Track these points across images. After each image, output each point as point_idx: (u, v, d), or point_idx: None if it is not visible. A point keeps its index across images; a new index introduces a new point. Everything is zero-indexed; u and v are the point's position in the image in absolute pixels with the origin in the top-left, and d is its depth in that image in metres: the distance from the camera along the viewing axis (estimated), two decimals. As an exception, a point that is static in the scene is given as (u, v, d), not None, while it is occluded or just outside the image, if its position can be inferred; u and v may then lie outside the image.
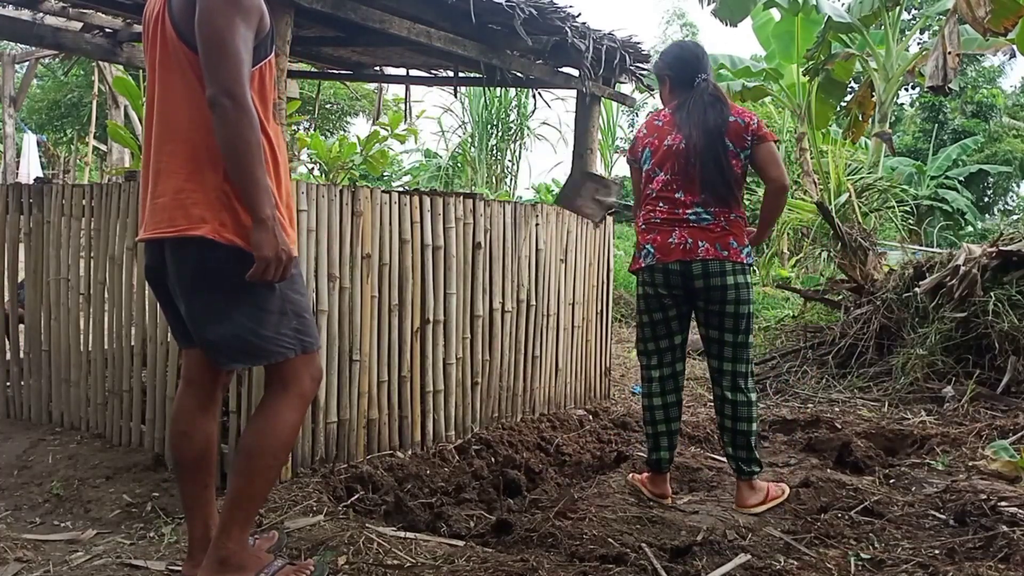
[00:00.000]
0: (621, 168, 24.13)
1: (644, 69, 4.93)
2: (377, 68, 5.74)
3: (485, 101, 16.80)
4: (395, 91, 14.03)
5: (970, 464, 3.46)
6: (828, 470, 3.53)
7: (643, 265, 3.09)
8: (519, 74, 4.76)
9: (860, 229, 6.84)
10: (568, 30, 4.09)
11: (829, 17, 9.30)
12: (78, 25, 4.74)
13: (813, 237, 8.76)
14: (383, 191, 3.43)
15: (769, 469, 3.46)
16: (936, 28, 12.69)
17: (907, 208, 10.02)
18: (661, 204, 3.06)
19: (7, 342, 3.81)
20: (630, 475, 3.34)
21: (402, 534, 2.61)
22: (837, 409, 4.72)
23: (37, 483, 3.02)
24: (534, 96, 5.55)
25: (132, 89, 7.21)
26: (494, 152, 17.40)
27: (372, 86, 12.86)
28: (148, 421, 3.26)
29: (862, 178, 9.39)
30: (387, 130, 8.75)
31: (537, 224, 4.24)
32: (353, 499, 2.94)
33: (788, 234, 10.21)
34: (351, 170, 9.36)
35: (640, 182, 3.20)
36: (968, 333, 4.92)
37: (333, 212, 3.17)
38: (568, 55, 4.35)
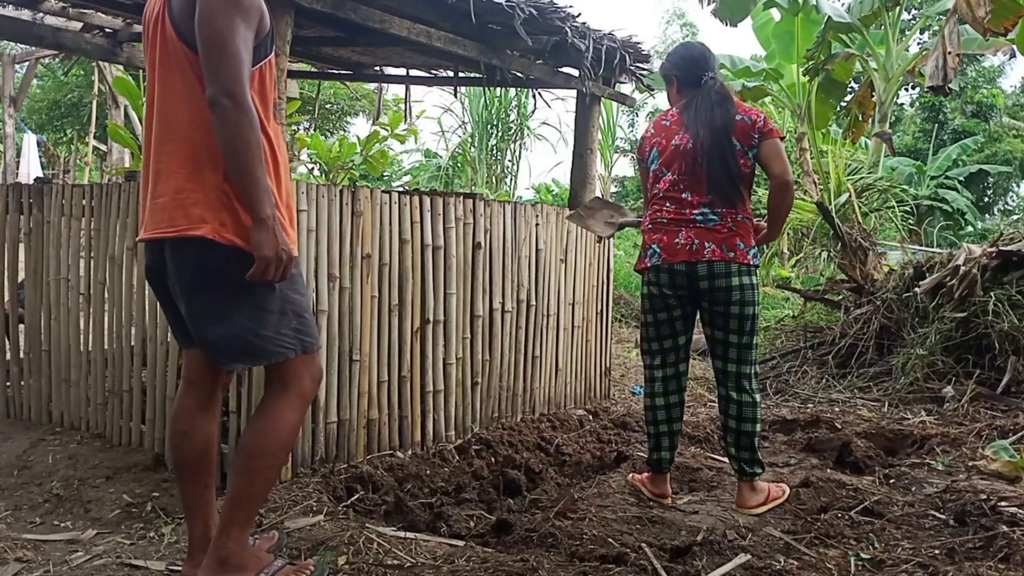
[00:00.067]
0: (621, 168, 24.16)
1: (644, 69, 4.93)
2: (377, 68, 5.74)
3: (485, 101, 16.81)
4: (395, 91, 14.05)
5: (970, 464, 3.46)
6: (828, 470, 3.53)
7: (648, 265, 3.08)
8: (519, 74, 4.76)
9: (860, 229, 6.83)
10: (568, 30, 4.09)
11: (829, 17, 9.30)
12: (78, 25, 4.74)
13: (813, 237, 8.75)
14: (383, 191, 3.43)
15: (769, 469, 3.45)
16: (936, 28, 12.69)
17: (907, 208, 10.02)
18: (668, 204, 3.05)
19: (7, 342, 3.81)
20: (630, 475, 3.34)
21: (402, 534, 2.61)
22: (837, 409, 4.72)
23: (37, 483, 3.02)
24: (534, 96, 5.55)
25: (132, 89, 7.21)
26: (494, 152, 17.41)
27: (372, 86, 12.86)
28: (148, 421, 3.26)
29: (862, 178, 9.39)
30: (387, 130, 8.74)
31: (537, 224, 4.24)
32: (353, 499, 2.94)
33: (788, 234, 10.21)
34: (351, 170, 9.36)
35: (648, 182, 3.20)
36: (968, 333, 4.92)
37: (333, 212, 3.17)
38: (568, 55, 4.35)
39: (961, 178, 16.94)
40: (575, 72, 4.64)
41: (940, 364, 4.91)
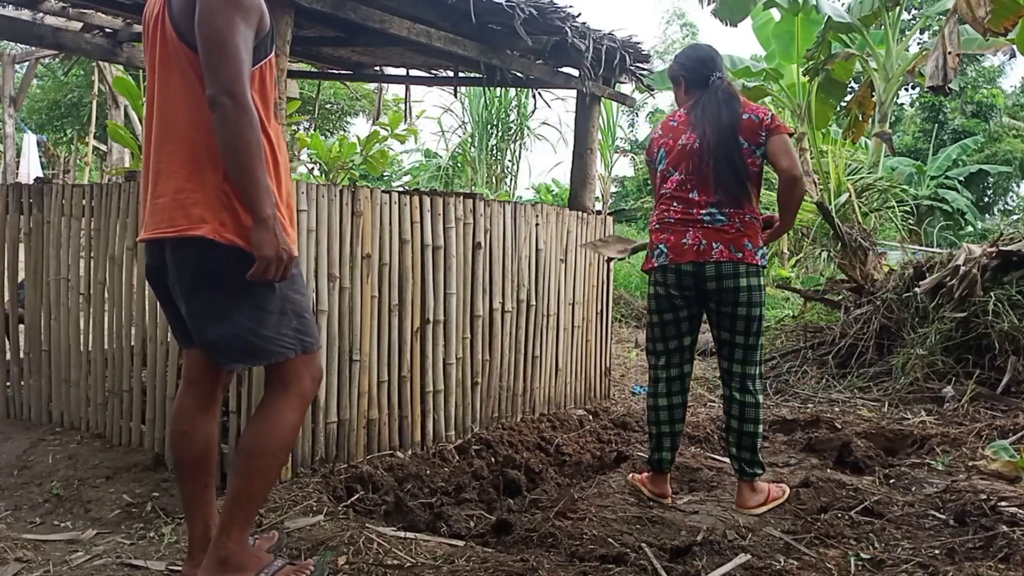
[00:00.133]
0: (621, 168, 24.15)
1: (644, 69, 4.93)
2: (377, 68, 5.74)
3: (485, 101, 16.80)
4: (395, 91, 14.05)
5: (970, 464, 3.46)
6: (828, 470, 3.53)
7: (655, 265, 3.08)
8: (519, 74, 4.76)
9: (860, 229, 6.83)
10: (568, 30, 4.09)
11: (829, 17, 9.30)
12: (78, 25, 4.74)
13: (813, 237, 8.75)
14: (383, 191, 3.43)
15: (769, 469, 3.46)
16: (936, 28, 12.69)
17: (907, 208, 10.02)
18: (675, 204, 3.05)
19: (7, 342, 3.81)
20: (630, 475, 3.34)
21: (402, 534, 2.61)
22: (837, 409, 4.72)
23: (37, 483, 3.02)
24: (534, 96, 5.55)
25: (132, 89, 7.21)
26: (494, 152, 17.40)
27: (372, 86, 12.86)
28: (148, 421, 3.26)
29: (862, 178, 9.39)
30: (387, 130, 8.74)
31: (537, 224, 4.24)
32: (353, 499, 2.94)
33: (788, 234, 10.21)
34: (351, 170, 9.36)
35: (657, 183, 3.20)
36: (968, 333, 4.92)
37: (333, 212, 3.17)
38: (568, 55, 4.35)
39: (961, 178, 16.94)
40: (575, 72, 4.64)
41: (940, 364, 4.91)
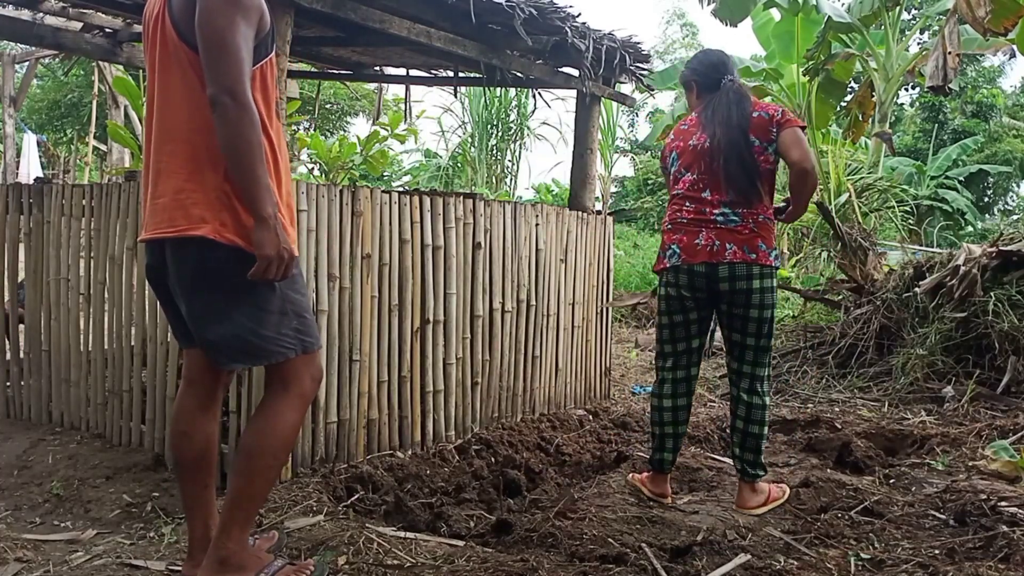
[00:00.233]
0: (621, 168, 24.15)
1: (644, 69, 4.93)
2: (377, 68, 5.74)
3: (485, 101, 16.81)
4: (395, 91, 14.04)
5: (970, 464, 3.46)
6: (828, 470, 3.53)
7: (667, 265, 3.06)
8: (519, 74, 4.76)
9: (860, 229, 6.83)
10: (568, 30, 4.09)
11: (829, 17, 9.30)
12: (78, 25, 4.74)
13: (813, 237, 8.75)
14: (383, 191, 3.43)
15: (769, 469, 3.45)
16: (936, 28, 12.69)
17: (907, 208, 10.02)
18: (688, 204, 3.03)
19: (7, 342, 3.81)
20: (630, 475, 3.33)
21: (402, 534, 2.61)
22: (837, 409, 4.72)
23: (37, 483, 3.02)
24: (534, 96, 5.55)
25: (132, 89, 7.21)
26: (494, 152, 17.41)
27: (372, 86, 12.86)
28: (148, 421, 3.26)
29: (862, 178, 9.39)
30: (387, 130, 8.74)
31: (537, 224, 4.24)
32: (353, 499, 2.94)
33: (788, 234, 10.21)
34: (351, 170, 9.36)
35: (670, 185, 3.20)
36: (968, 333, 4.92)
37: (333, 212, 3.17)
38: (568, 55, 4.35)
39: (961, 178, 16.94)
40: (575, 72, 4.64)
41: (940, 364, 4.91)
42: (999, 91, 20.52)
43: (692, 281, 3.00)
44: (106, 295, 3.46)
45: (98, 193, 3.46)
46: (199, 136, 1.98)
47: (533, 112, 21.06)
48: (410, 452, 3.46)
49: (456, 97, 17.26)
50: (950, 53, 6.37)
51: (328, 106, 17.32)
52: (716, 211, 2.97)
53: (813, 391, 5.15)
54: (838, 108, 10.73)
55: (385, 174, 16.84)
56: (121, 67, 8.95)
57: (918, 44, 15.89)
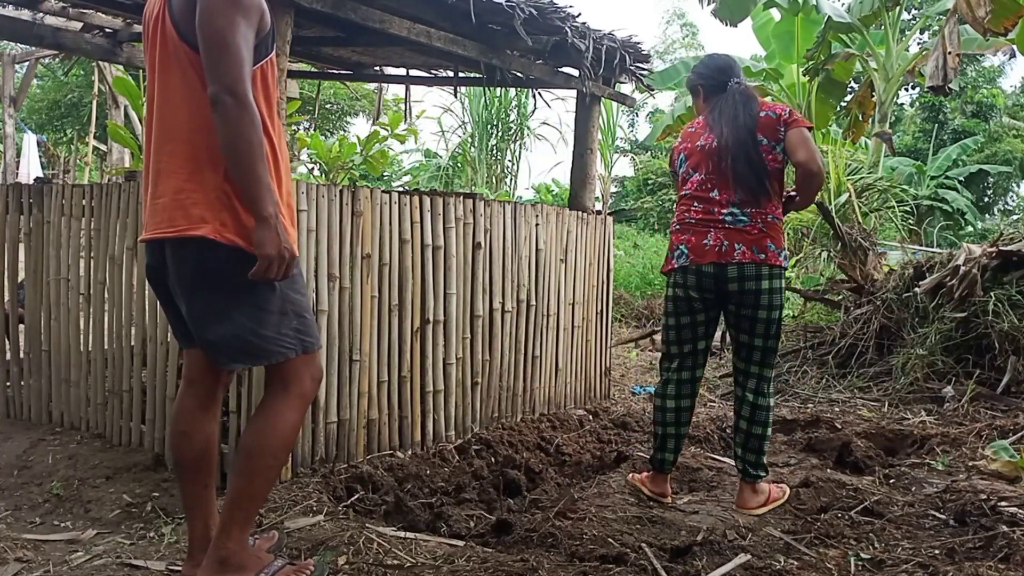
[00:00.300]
0: (621, 168, 24.15)
1: (644, 69, 4.93)
2: (377, 68, 5.74)
3: (485, 101, 16.81)
4: (395, 91, 14.05)
5: (970, 464, 3.46)
6: (828, 470, 3.53)
7: (676, 266, 3.05)
8: (519, 74, 4.75)
9: (860, 229, 6.83)
10: (568, 30, 4.09)
11: (829, 17, 9.31)
12: (78, 25, 4.74)
13: (813, 237, 8.75)
14: (383, 191, 3.43)
15: (769, 469, 3.46)
16: (936, 28, 12.69)
17: (907, 208, 10.00)
18: (696, 204, 3.03)
19: (7, 342, 3.81)
20: (630, 475, 3.33)
21: (402, 534, 2.61)
22: (837, 409, 4.72)
23: (37, 483, 3.02)
24: (534, 96, 5.55)
25: (132, 89, 7.21)
26: (494, 152, 17.41)
27: (372, 86, 12.86)
28: (148, 421, 3.26)
29: (862, 178, 9.38)
30: (387, 130, 8.73)
31: (537, 224, 4.24)
32: (353, 499, 2.94)
33: (788, 234, 10.21)
34: (351, 170, 9.35)
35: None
36: (968, 333, 4.92)
37: (333, 212, 3.17)
38: (568, 55, 4.35)
39: (961, 178, 16.94)
40: (575, 72, 4.64)
41: (940, 364, 4.91)
42: (999, 91, 20.53)
43: (700, 282, 2.99)
44: (106, 295, 3.46)
45: (98, 193, 3.46)
46: (199, 136, 1.98)
47: (533, 112, 21.08)
48: (410, 452, 3.46)
49: (456, 97, 17.27)
50: (950, 53, 6.37)
51: (328, 106, 17.32)
52: (724, 211, 2.95)
53: (813, 391, 5.15)
54: (838, 108, 10.74)
55: (385, 174, 16.84)
56: (121, 67, 8.95)
57: (918, 44, 15.90)
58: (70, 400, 3.56)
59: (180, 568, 2.27)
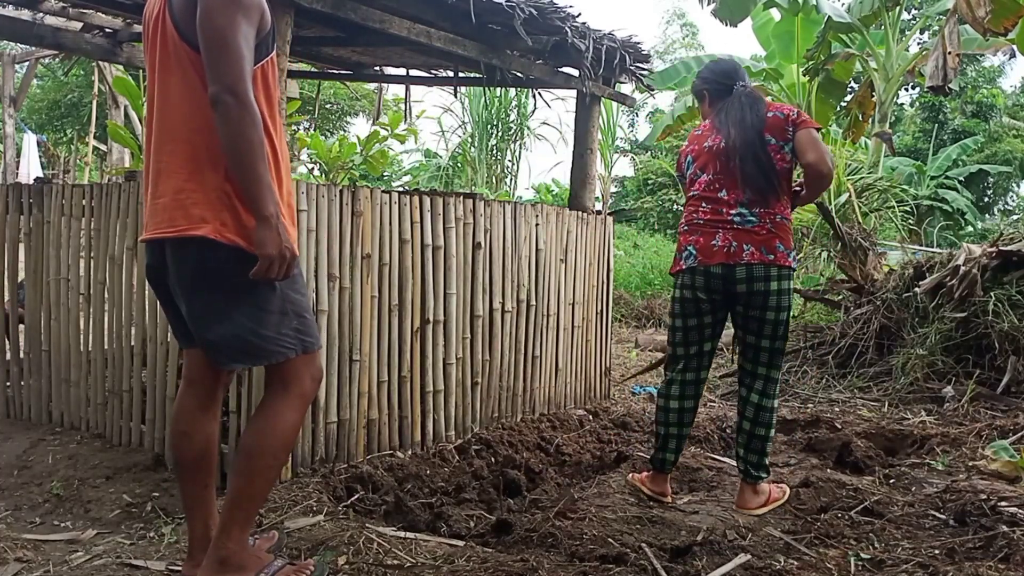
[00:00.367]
0: (621, 168, 24.15)
1: (644, 69, 4.93)
2: (377, 68, 5.74)
3: (485, 101, 16.81)
4: (395, 91, 14.06)
5: (970, 464, 3.46)
6: (828, 470, 3.53)
7: (684, 267, 3.03)
8: (519, 74, 4.75)
9: (860, 229, 6.83)
10: (568, 30, 4.09)
11: (829, 17, 9.31)
12: (78, 25, 4.74)
13: (813, 237, 8.74)
14: (383, 191, 3.43)
15: (770, 469, 3.46)
16: (936, 28, 12.69)
17: (907, 208, 10.01)
18: (704, 204, 3.01)
19: (7, 342, 3.81)
20: (630, 475, 3.33)
21: (402, 534, 2.61)
22: (837, 409, 4.72)
23: (37, 483, 3.02)
24: (534, 96, 5.55)
25: (132, 89, 7.21)
26: (494, 152, 17.41)
27: (372, 86, 12.86)
28: (148, 421, 3.26)
29: (862, 178, 9.38)
30: (387, 130, 8.74)
31: (537, 224, 4.24)
32: (353, 499, 2.94)
33: (788, 234, 10.22)
34: (351, 170, 9.36)
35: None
36: (968, 333, 4.92)
37: (333, 212, 3.17)
38: (568, 55, 4.34)
39: (961, 178, 16.94)
40: (575, 72, 4.64)
41: (940, 364, 4.91)
42: (999, 91, 20.52)
43: (708, 283, 2.98)
44: (106, 295, 3.46)
45: (98, 193, 3.46)
46: (199, 136, 1.98)
47: (533, 112, 21.08)
48: (410, 452, 3.46)
49: (456, 97, 17.27)
50: (950, 53, 6.37)
51: (328, 106, 17.33)
52: (733, 211, 2.94)
53: (813, 391, 5.15)
54: (838, 108, 10.73)
55: (385, 174, 16.84)
56: (121, 67, 8.95)
57: (918, 44, 15.90)
58: (70, 400, 3.56)
59: (180, 568, 2.27)
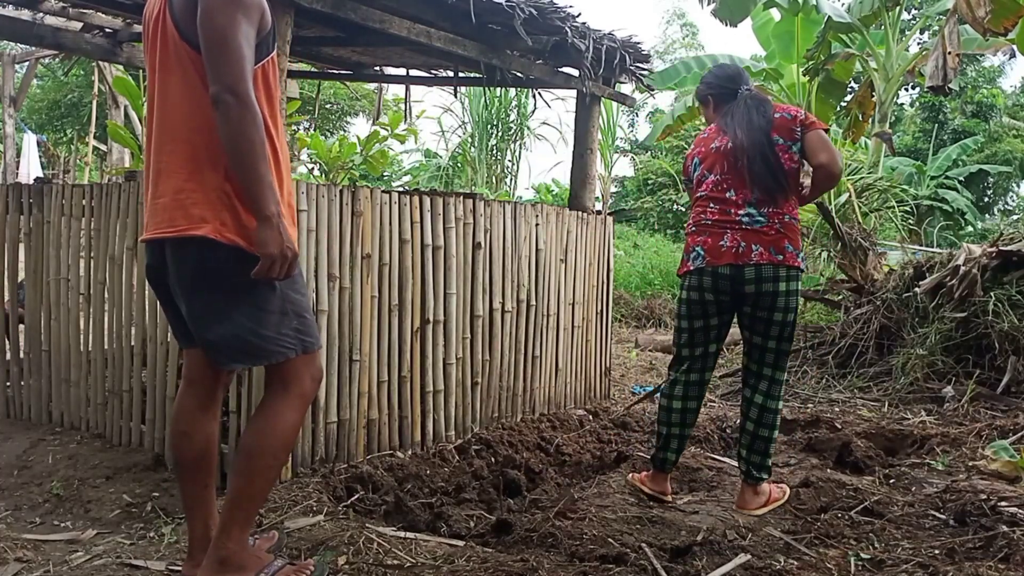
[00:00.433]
0: (621, 168, 24.15)
1: (644, 69, 4.93)
2: (377, 68, 5.74)
3: (485, 101, 16.81)
4: (395, 91, 14.06)
5: (970, 464, 3.46)
6: (828, 470, 3.53)
7: (691, 268, 3.02)
8: (519, 74, 4.76)
9: (860, 229, 6.83)
10: (568, 30, 4.09)
11: (829, 17, 9.30)
12: (78, 25, 4.74)
13: (813, 237, 8.75)
14: (383, 191, 3.43)
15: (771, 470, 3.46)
16: (936, 28, 12.69)
17: (907, 208, 10.01)
18: (712, 205, 3.00)
19: (7, 342, 3.81)
20: (630, 475, 3.33)
21: (402, 534, 2.61)
22: (837, 409, 4.72)
23: (37, 483, 3.02)
24: (534, 96, 5.55)
25: (132, 89, 7.21)
26: (494, 152, 17.41)
27: (372, 86, 12.86)
28: (148, 421, 3.26)
29: (862, 178, 9.38)
30: (387, 130, 8.73)
31: (537, 224, 4.24)
32: (353, 499, 2.94)
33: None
34: (351, 170, 9.35)
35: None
36: (968, 333, 4.92)
37: (333, 212, 3.17)
38: (568, 55, 4.34)
39: (961, 178, 16.94)
40: (575, 72, 4.64)
41: (940, 364, 4.91)
42: (999, 91, 20.52)
43: (716, 284, 2.96)
44: (106, 295, 3.46)
45: (98, 193, 3.46)
46: (199, 136, 1.98)
47: (533, 112, 21.08)
48: (410, 452, 3.46)
49: (456, 97, 17.27)
50: (950, 53, 6.37)
51: (328, 106, 17.33)
52: (741, 211, 2.93)
53: (813, 391, 5.15)
54: (838, 108, 10.72)
55: (385, 174, 16.84)
56: (121, 67, 8.95)
57: (918, 44, 15.89)
58: (70, 400, 3.56)
59: (180, 568, 2.27)
